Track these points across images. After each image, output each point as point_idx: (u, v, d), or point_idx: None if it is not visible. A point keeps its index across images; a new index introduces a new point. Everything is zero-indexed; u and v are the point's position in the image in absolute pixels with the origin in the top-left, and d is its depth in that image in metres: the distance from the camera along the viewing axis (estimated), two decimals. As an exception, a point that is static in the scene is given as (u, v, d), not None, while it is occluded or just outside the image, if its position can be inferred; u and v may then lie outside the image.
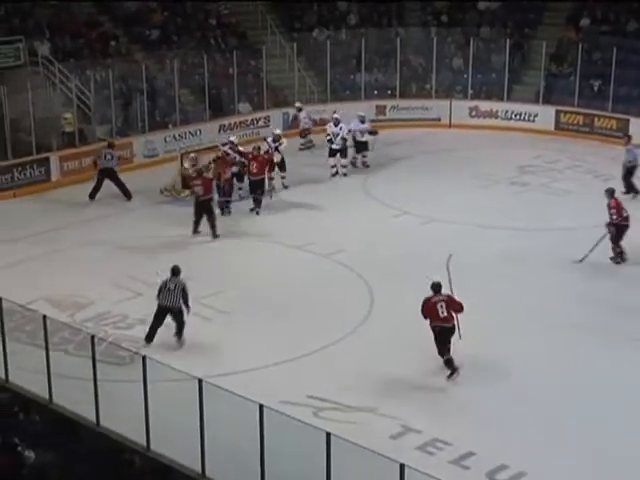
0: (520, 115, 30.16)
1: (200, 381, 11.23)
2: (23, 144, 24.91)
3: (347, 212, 22.46)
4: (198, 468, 11.47)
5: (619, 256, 19.38)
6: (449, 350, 14.91)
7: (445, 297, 15.37)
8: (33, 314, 14.77)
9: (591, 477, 12.37)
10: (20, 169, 24.28)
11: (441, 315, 15.14)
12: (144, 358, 11.91)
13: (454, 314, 15.10)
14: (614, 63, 28.81)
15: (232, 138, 23.89)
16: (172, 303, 15.72)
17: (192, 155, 23.43)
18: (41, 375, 13.24)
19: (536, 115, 30.00)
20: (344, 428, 11.61)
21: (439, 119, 30.68)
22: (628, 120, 28.33)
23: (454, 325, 15.07)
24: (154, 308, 17.14)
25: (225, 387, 11.20)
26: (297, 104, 28.32)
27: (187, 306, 15.85)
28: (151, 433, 11.95)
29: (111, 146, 23.89)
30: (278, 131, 25.01)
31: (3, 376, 13.64)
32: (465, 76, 31.21)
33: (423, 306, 15.23)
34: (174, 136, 26.49)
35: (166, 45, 30.30)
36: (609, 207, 19.37)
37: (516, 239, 20.76)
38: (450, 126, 30.53)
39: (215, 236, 20.95)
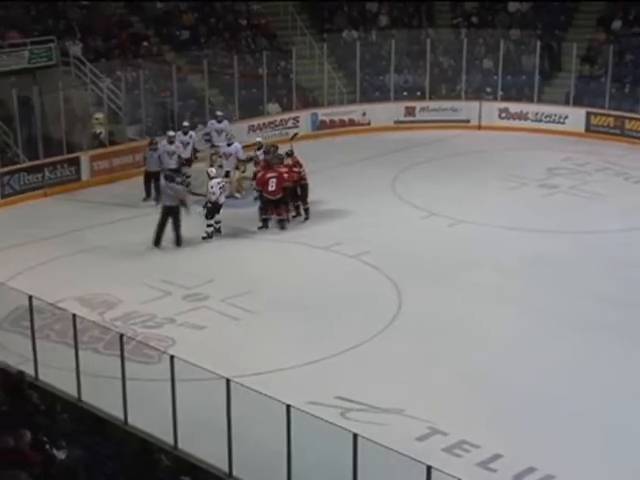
0: (550, 117, 30.00)
1: (228, 381, 11.24)
2: (54, 143, 25.10)
3: (374, 213, 22.44)
4: (225, 468, 11.50)
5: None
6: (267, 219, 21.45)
7: (277, 174, 21.21)
8: (63, 313, 14.85)
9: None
10: (51, 168, 24.44)
11: (270, 189, 21.07)
12: (172, 357, 11.94)
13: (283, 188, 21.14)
14: (646, 65, 28.68)
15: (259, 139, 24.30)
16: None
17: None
18: (70, 373, 13.31)
19: (566, 117, 29.84)
20: (371, 429, 11.58)
21: (468, 120, 30.59)
22: (659, 122, 28.23)
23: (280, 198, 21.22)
24: (183, 307, 17.30)
25: (252, 387, 11.21)
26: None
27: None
28: (179, 432, 11.98)
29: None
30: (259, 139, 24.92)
31: (33, 374, 13.71)
32: (495, 77, 31.09)
33: (257, 178, 21.74)
34: (203, 136, 26.46)
35: (196, 46, 30.42)
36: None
37: (545, 241, 20.68)
38: (479, 128, 30.44)
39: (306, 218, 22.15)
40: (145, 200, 23.58)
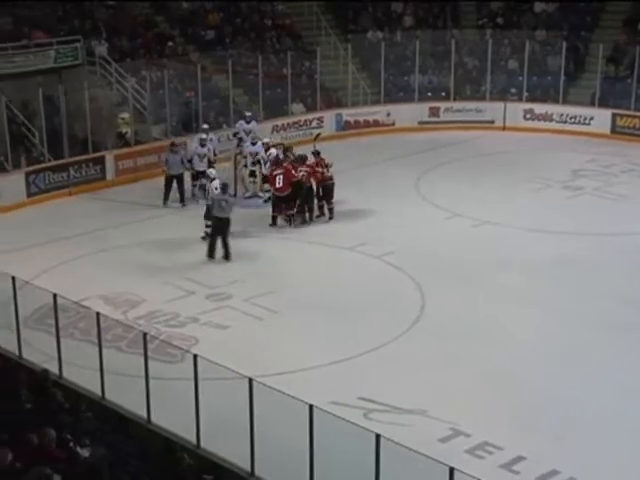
0: (575, 118, 29.86)
1: (250, 380, 11.26)
2: (79, 142, 25.21)
3: (398, 213, 22.41)
4: (247, 467, 11.51)
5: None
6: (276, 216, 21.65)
7: (283, 170, 21.45)
8: (87, 311, 14.94)
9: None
10: (76, 167, 24.56)
11: (277, 185, 21.38)
12: (195, 356, 11.96)
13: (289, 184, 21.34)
14: (672, 66, 28.47)
15: (266, 140, 23.95)
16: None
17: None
18: (94, 371, 13.37)
19: (592, 118, 29.68)
20: (393, 430, 11.58)
21: (493, 121, 30.50)
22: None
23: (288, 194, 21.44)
24: (206, 307, 17.32)
25: (275, 387, 11.23)
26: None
27: None
28: (201, 431, 12.01)
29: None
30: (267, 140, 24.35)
31: (57, 372, 13.78)
32: (520, 78, 30.99)
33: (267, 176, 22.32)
34: (228, 136, 26.58)
35: (221, 46, 30.49)
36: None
37: (569, 243, 20.59)
38: (504, 129, 30.34)
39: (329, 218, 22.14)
40: (165, 205, 23.40)
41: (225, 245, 19.85)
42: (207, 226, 20.78)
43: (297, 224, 21.85)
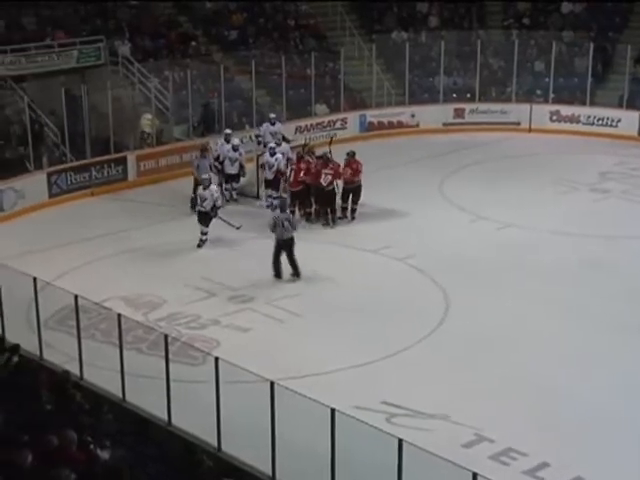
0: (602, 120, 29.56)
1: (272, 383, 11.16)
2: (101, 143, 25.21)
3: (423, 216, 22.27)
4: (268, 471, 11.41)
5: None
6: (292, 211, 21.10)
7: (294, 167, 21.64)
8: (108, 312, 14.90)
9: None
10: (98, 168, 24.54)
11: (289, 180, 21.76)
12: (216, 359, 11.87)
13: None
14: (701, 67, 28.20)
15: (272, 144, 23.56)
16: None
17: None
18: (115, 373, 13.30)
19: (619, 120, 29.39)
20: (416, 435, 11.46)
21: (519, 123, 30.26)
22: None
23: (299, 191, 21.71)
24: (227, 309, 17.23)
25: (297, 390, 11.12)
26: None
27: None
28: (222, 434, 11.92)
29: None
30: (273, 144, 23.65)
31: (78, 373, 13.72)
32: (547, 80, 30.73)
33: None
34: (250, 137, 26.51)
35: (244, 46, 30.44)
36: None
37: (595, 246, 20.40)
38: (530, 130, 30.10)
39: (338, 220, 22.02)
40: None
41: (292, 262, 18.77)
42: (203, 233, 20.63)
43: (317, 223, 21.87)
